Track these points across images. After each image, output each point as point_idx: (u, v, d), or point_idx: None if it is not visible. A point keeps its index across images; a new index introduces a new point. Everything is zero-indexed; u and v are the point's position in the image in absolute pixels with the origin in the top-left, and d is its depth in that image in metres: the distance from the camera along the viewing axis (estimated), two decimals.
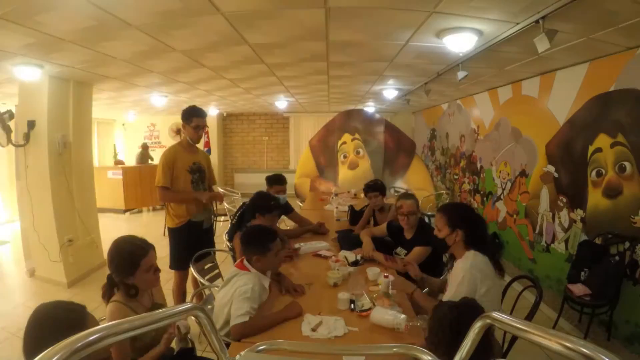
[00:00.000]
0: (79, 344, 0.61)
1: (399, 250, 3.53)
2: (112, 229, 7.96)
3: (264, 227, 2.81)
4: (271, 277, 2.75)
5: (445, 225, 2.49)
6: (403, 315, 2.19)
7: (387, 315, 2.21)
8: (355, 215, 4.84)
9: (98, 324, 1.63)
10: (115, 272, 2.10)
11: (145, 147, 11.10)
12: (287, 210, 4.41)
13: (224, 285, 2.56)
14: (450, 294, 2.29)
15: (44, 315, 1.59)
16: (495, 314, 0.75)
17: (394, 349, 0.96)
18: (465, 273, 2.29)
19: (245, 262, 2.59)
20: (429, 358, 0.83)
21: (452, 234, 2.45)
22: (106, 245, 6.17)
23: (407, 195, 3.60)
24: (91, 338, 0.63)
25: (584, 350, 0.55)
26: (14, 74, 4.29)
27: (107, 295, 2.14)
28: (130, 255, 2.08)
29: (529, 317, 2.30)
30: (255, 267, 2.56)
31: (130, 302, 2.09)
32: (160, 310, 0.78)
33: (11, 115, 4.99)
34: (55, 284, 5.05)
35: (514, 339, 2.21)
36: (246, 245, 2.61)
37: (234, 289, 2.40)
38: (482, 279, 2.26)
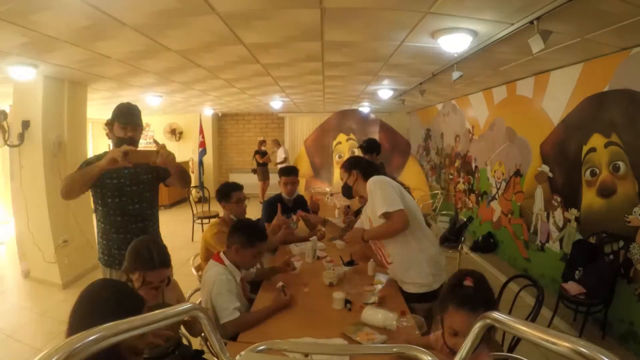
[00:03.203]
0: (78, 345, 0.60)
1: None
2: None
3: (259, 225, 2.83)
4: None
5: (344, 174, 2.97)
6: (393, 314, 2.21)
7: (378, 314, 2.23)
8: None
9: None
10: (125, 259, 2.11)
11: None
12: (304, 209, 4.29)
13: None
14: (376, 202, 2.59)
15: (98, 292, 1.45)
16: (495, 314, 0.75)
17: (394, 349, 0.96)
18: (376, 181, 2.66)
19: (221, 254, 2.59)
20: (429, 358, 0.83)
21: (350, 177, 2.90)
22: None
23: None
24: (90, 338, 0.62)
25: (584, 350, 0.55)
26: (8, 73, 4.26)
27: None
28: (137, 258, 2.06)
29: (533, 319, 2.28)
30: (230, 258, 2.56)
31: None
32: (160, 311, 0.77)
33: (5, 115, 4.96)
34: (50, 285, 5.02)
35: (517, 340, 2.22)
36: (234, 232, 2.61)
37: (207, 285, 2.44)
38: (393, 185, 2.64)
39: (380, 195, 2.56)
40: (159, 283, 2.08)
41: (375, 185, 2.62)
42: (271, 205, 4.02)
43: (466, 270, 1.69)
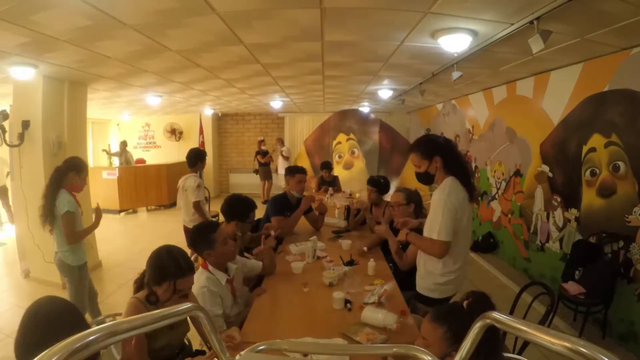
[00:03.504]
0: (78, 345, 0.60)
1: None
2: (107, 229, 7.92)
3: (204, 223, 2.83)
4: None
5: (421, 159, 2.56)
6: (393, 314, 2.22)
7: (378, 314, 2.24)
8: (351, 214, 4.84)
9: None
10: (147, 274, 2.08)
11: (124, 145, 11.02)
12: (308, 209, 4.36)
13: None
14: (433, 221, 2.47)
15: (38, 310, 1.55)
16: (495, 314, 0.75)
17: (394, 349, 0.96)
18: (445, 201, 2.41)
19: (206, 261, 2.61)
20: (429, 358, 0.83)
21: (431, 164, 2.53)
22: (101, 245, 6.13)
23: (398, 189, 3.62)
24: (90, 338, 0.62)
25: (584, 350, 0.55)
26: (8, 73, 4.26)
27: (135, 289, 2.14)
28: (164, 270, 2.03)
29: (543, 323, 2.28)
30: (211, 264, 2.57)
31: (152, 306, 2.05)
32: (160, 310, 0.77)
33: (5, 115, 4.95)
34: (50, 285, 5.01)
35: (525, 344, 2.21)
36: (194, 247, 2.63)
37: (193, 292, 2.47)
38: (459, 207, 2.42)
39: (437, 218, 2.44)
40: (188, 290, 2.10)
41: (440, 204, 2.44)
42: (278, 202, 4.15)
43: (479, 293, 1.64)
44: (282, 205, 4.14)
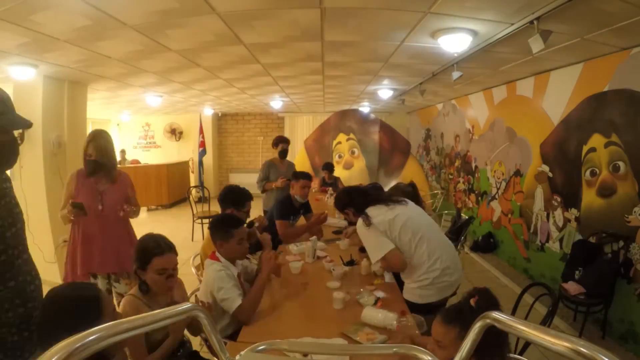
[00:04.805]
0: (78, 345, 0.60)
1: None
2: None
3: (230, 214, 2.89)
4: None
5: (341, 214, 3.12)
6: (393, 314, 2.21)
7: (378, 314, 2.23)
8: None
9: (113, 306, 1.68)
10: (134, 265, 2.12)
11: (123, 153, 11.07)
12: (307, 210, 4.49)
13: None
14: (368, 249, 2.76)
15: (55, 295, 1.62)
16: (495, 314, 0.75)
17: (394, 349, 0.96)
18: (362, 236, 2.76)
19: (216, 252, 2.61)
20: (429, 358, 0.83)
21: (348, 215, 2.96)
22: None
23: (395, 185, 3.66)
24: (90, 338, 0.62)
25: (584, 350, 0.55)
26: (8, 73, 4.26)
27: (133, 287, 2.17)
28: (144, 251, 2.08)
29: (544, 323, 2.28)
30: (223, 254, 2.58)
31: (146, 297, 2.08)
32: (160, 310, 0.77)
33: None
34: (50, 285, 4.91)
35: (527, 344, 2.21)
36: (212, 231, 2.67)
37: (207, 283, 2.48)
38: (386, 223, 2.64)
39: (368, 245, 2.73)
40: (172, 270, 2.11)
41: (362, 235, 2.77)
42: (284, 205, 4.17)
43: (483, 290, 1.67)
44: (288, 209, 4.17)
